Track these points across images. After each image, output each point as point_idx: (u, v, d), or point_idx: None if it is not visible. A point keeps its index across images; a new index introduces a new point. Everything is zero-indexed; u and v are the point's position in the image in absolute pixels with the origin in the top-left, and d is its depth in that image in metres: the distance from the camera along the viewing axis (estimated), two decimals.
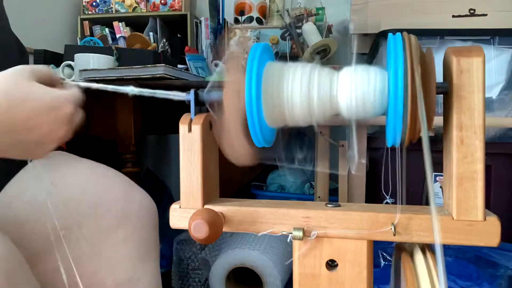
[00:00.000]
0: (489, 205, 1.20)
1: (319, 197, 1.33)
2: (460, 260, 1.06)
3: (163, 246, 1.45)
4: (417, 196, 1.23)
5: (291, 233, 0.46)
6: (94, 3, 1.85)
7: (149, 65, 1.09)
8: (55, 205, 0.63)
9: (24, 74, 0.47)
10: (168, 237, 1.47)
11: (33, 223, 0.61)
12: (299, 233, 0.46)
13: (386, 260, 1.10)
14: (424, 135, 0.38)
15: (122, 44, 1.77)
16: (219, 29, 1.72)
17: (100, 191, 0.68)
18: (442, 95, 0.45)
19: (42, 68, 0.50)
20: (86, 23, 1.84)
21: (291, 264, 0.48)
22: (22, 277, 0.51)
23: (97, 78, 1.11)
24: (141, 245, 0.69)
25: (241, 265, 1.21)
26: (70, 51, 1.31)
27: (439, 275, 0.34)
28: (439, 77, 0.43)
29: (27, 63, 0.78)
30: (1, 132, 0.45)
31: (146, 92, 0.51)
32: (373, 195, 1.28)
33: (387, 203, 0.59)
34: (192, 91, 0.48)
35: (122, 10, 1.84)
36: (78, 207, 0.64)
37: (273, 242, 1.26)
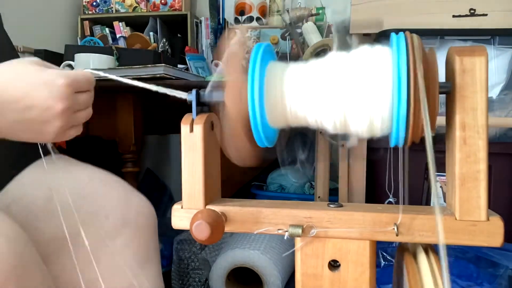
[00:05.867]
0: (489, 205, 1.19)
1: (319, 197, 1.33)
2: (460, 260, 1.05)
3: (163, 246, 1.45)
4: (417, 196, 1.23)
5: (287, 231, 0.46)
6: (94, 3, 1.84)
7: (149, 65, 1.09)
8: (53, 212, 0.62)
9: (30, 61, 0.48)
10: (168, 237, 1.47)
11: (33, 230, 0.61)
12: (297, 230, 0.45)
13: (386, 260, 1.10)
14: (427, 135, 0.38)
15: (122, 44, 1.77)
16: (219, 29, 1.72)
17: (98, 198, 0.68)
18: (444, 95, 0.44)
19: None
20: (86, 23, 1.83)
21: (291, 264, 0.48)
22: (31, 258, 0.51)
23: (97, 78, 1.11)
24: (140, 252, 0.68)
25: (241, 265, 1.20)
26: (70, 51, 1.30)
27: (443, 276, 0.34)
28: (440, 77, 0.43)
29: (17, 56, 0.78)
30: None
31: (150, 87, 0.51)
32: (373, 195, 1.28)
33: (390, 202, 0.59)
34: (193, 91, 0.48)
35: (122, 10, 1.84)
36: (76, 214, 0.64)
37: (273, 242, 1.26)
